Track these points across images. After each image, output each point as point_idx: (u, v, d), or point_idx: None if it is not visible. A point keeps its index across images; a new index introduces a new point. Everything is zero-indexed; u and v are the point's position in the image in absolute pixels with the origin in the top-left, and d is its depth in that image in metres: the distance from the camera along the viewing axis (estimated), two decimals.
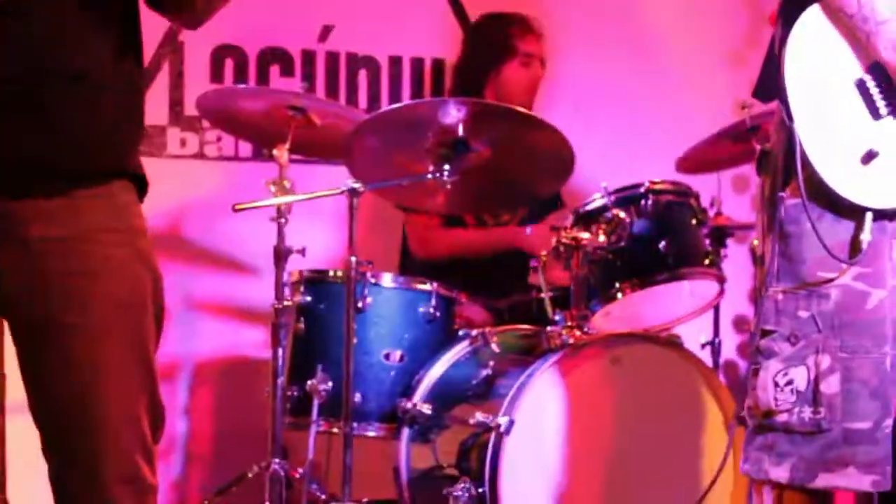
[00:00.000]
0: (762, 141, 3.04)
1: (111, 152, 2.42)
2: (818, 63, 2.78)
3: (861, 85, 2.76)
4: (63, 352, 2.34)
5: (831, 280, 2.75)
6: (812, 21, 2.76)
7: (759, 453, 2.83)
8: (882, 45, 2.73)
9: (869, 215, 2.72)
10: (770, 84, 2.95)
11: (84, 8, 2.37)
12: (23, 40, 2.28)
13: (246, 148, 5.13)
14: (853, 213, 2.74)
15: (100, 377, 2.34)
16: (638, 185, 4.05)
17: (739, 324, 4.86)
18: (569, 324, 3.93)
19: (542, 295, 4.14)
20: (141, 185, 2.47)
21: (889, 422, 2.78)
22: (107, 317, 2.35)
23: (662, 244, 3.96)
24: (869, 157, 2.72)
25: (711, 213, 4.20)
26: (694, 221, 4.06)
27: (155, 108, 5.21)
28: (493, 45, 5.00)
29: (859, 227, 2.73)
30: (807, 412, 2.75)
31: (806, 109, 2.74)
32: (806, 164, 2.71)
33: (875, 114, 2.75)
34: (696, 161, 4.61)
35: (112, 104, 2.42)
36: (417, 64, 5.68)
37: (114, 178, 2.40)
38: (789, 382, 2.77)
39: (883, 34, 2.73)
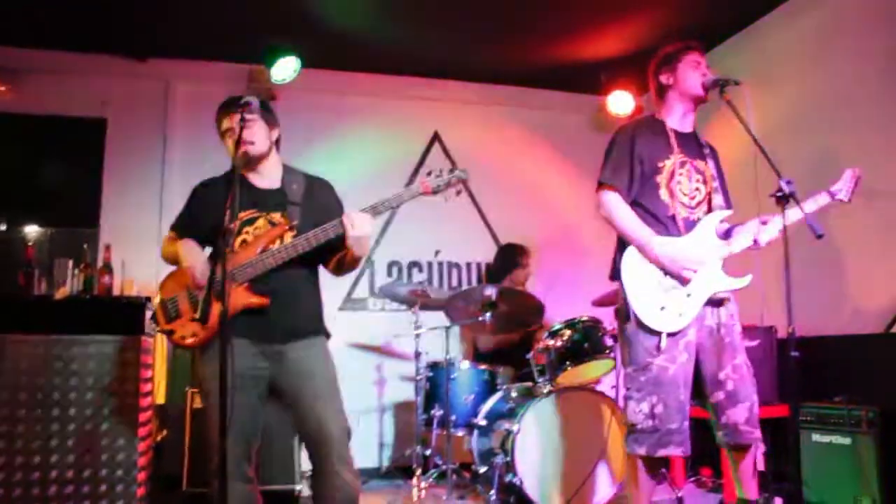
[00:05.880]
0: (617, 300, 2.89)
1: (317, 325, 2.65)
2: (636, 266, 2.82)
3: (657, 276, 2.75)
4: (305, 401, 2.53)
5: (650, 363, 2.76)
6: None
7: (631, 442, 2.82)
8: (650, 255, 2.79)
9: (664, 333, 2.75)
10: (616, 273, 2.90)
11: (305, 273, 2.64)
12: (283, 284, 2.53)
13: (401, 307, 4.89)
14: (656, 333, 2.76)
15: (323, 412, 2.51)
16: (574, 318, 4.08)
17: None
18: (546, 381, 4.01)
19: (534, 368, 4.16)
20: (327, 336, 2.66)
21: (686, 423, 2.77)
22: (319, 386, 2.54)
23: (586, 345, 4.00)
24: (661, 308, 2.77)
25: (609, 329, 4.05)
26: (600, 334, 4.02)
27: (363, 289, 5.49)
28: (511, 258, 4.98)
29: (660, 339, 2.75)
30: (650, 422, 2.76)
31: (632, 288, 2.81)
32: (633, 311, 2.79)
33: (664, 289, 2.77)
34: (598, 303, 4.43)
35: (317, 305, 2.69)
36: (479, 265, 5.73)
37: (319, 335, 2.63)
38: (641, 410, 2.78)
39: (647, 251, 2.80)
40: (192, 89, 5.30)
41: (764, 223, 2.84)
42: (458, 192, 2.60)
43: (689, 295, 2.81)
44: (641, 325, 2.79)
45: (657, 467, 2.88)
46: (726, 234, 2.91)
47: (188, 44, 5.06)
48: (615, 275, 2.95)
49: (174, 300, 2.56)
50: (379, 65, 5.50)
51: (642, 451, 2.80)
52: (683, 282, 2.81)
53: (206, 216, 2.55)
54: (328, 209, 2.63)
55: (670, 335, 2.77)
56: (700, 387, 2.86)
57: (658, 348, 2.76)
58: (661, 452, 2.78)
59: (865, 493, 3.35)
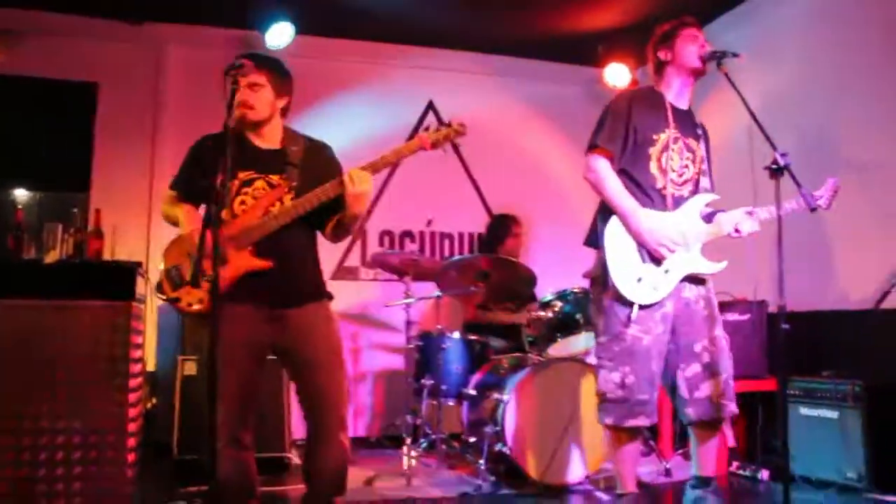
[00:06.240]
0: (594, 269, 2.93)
1: (320, 288, 2.64)
2: (619, 236, 2.82)
3: (637, 248, 2.78)
4: (309, 368, 2.52)
5: (624, 332, 2.77)
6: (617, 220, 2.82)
7: (601, 412, 2.85)
8: (632, 226, 2.78)
9: (636, 304, 2.76)
10: (594, 241, 2.94)
11: (306, 237, 2.62)
12: (285, 247, 2.51)
13: (392, 277, 4.93)
14: (631, 304, 2.76)
15: (327, 379, 2.51)
16: (565, 290, 4.07)
17: None
18: (536, 353, 4.03)
19: (525, 339, 4.17)
20: (330, 298, 2.64)
21: (655, 395, 2.80)
22: (323, 352, 2.53)
23: (577, 316, 4.00)
24: (638, 279, 2.77)
25: None
26: (591, 305, 3.96)
27: (355, 258, 5.49)
28: (504, 228, 4.94)
29: (632, 310, 2.76)
30: (619, 392, 2.77)
31: (613, 257, 2.80)
32: (611, 282, 2.79)
33: (643, 261, 2.79)
34: (590, 275, 4.51)
35: (317, 271, 2.67)
36: (471, 235, 5.71)
37: (322, 298, 2.62)
38: (612, 379, 2.79)
39: (630, 222, 2.78)
40: (186, 54, 5.21)
41: (750, 214, 2.83)
42: (456, 146, 2.61)
43: (666, 271, 2.81)
44: (617, 295, 2.79)
45: (627, 437, 2.87)
46: (707, 219, 2.90)
47: (183, 8, 4.95)
48: (592, 241, 2.96)
49: (178, 268, 2.52)
50: (374, 32, 5.39)
51: (610, 420, 2.82)
52: (657, 260, 2.80)
53: (204, 178, 2.48)
54: (328, 171, 2.60)
55: (644, 307, 2.78)
56: (673, 360, 2.84)
57: (629, 318, 2.77)
58: (630, 423, 2.79)
59: (851, 465, 3.38)
